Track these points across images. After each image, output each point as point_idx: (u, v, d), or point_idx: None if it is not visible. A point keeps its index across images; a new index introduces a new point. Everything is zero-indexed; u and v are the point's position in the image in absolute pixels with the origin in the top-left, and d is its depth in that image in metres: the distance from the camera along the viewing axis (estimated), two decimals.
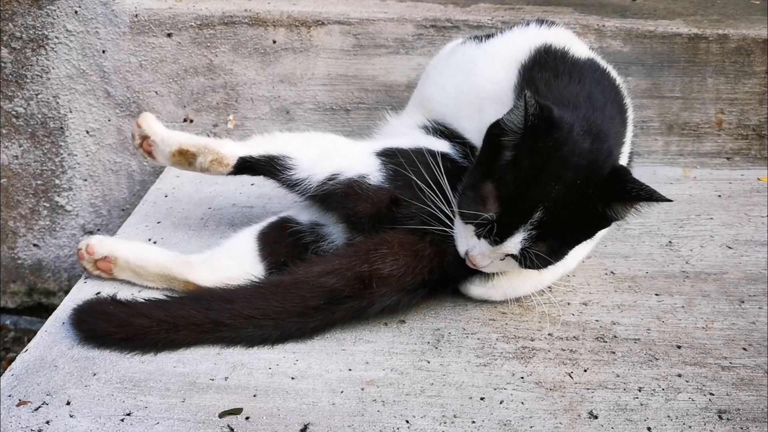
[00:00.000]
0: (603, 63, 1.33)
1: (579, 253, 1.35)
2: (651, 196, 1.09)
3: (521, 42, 1.31)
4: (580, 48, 1.32)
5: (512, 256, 1.15)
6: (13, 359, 1.19)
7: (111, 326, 1.18)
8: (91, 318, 1.20)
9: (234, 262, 1.30)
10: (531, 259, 1.13)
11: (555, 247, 1.14)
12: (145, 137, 1.39)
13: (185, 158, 1.36)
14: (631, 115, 1.30)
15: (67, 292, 1.36)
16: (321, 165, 1.29)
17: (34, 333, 1.24)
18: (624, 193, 1.10)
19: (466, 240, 1.18)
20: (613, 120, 1.21)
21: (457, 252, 1.21)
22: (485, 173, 1.14)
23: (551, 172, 1.08)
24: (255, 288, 1.21)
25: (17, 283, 2.09)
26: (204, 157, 1.35)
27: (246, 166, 1.34)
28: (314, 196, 1.29)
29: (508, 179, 1.11)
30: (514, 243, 1.12)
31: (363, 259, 1.19)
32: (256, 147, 1.35)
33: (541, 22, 1.38)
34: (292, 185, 1.30)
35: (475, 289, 1.30)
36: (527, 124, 1.06)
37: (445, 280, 1.26)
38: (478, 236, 1.15)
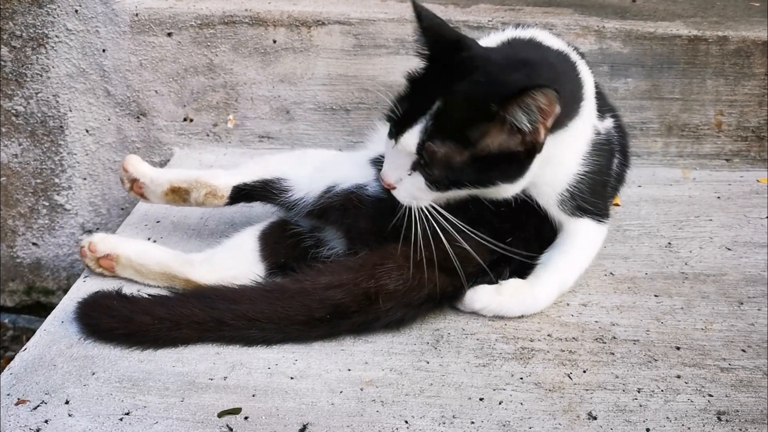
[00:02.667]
0: (574, 56, 1.27)
1: (576, 270, 1.31)
2: (531, 85, 1.02)
3: (493, 41, 1.30)
4: (551, 40, 1.29)
5: (415, 165, 1.11)
6: (11, 358, 1.19)
7: (113, 321, 1.18)
8: (95, 312, 1.21)
9: (235, 262, 1.30)
10: (431, 158, 1.08)
11: (455, 156, 1.09)
12: (134, 180, 1.37)
13: (179, 195, 1.36)
14: (589, 99, 1.24)
15: (66, 291, 1.36)
16: (317, 180, 1.28)
17: (33, 332, 1.24)
18: (515, 90, 1.03)
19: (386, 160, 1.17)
20: (562, 73, 1.19)
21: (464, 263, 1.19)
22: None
23: (456, 72, 1.10)
24: (260, 290, 1.21)
25: (16, 282, 2.09)
26: (198, 192, 1.34)
27: (242, 195, 1.34)
28: (312, 211, 1.28)
29: (420, 83, 1.14)
30: (413, 135, 1.09)
31: (369, 274, 1.18)
32: (249, 174, 1.34)
33: (518, 25, 1.37)
34: (290, 207, 1.29)
35: (468, 310, 1.27)
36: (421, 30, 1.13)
37: (454, 291, 1.24)
38: (390, 138, 1.14)
